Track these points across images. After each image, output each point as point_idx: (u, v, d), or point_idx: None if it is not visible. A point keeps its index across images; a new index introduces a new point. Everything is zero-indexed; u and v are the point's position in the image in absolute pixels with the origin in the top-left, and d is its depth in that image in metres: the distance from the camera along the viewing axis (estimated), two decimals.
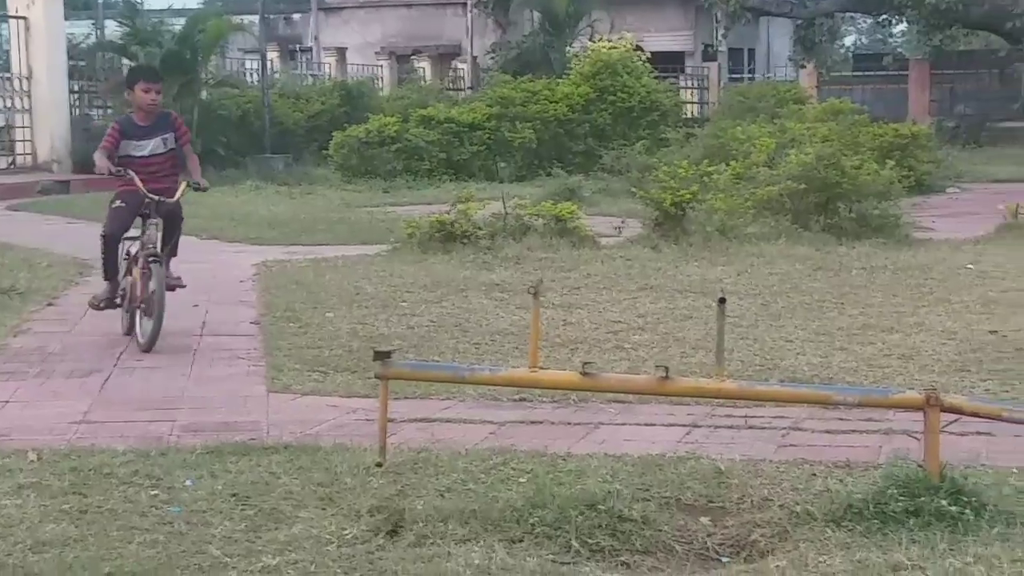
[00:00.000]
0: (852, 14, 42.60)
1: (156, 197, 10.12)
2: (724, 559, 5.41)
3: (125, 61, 29.91)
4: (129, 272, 10.29)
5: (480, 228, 15.21)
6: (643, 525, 5.56)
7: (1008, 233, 15.91)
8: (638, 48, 31.53)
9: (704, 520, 5.79)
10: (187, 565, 5.26)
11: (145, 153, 10.26)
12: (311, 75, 39.54)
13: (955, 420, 6.39)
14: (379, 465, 6.35)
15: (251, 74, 34.61)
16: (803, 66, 38.74)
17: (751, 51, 48.22)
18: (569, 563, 5.23)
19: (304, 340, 10.02)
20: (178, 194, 10.26)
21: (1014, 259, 13.94)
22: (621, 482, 6.05)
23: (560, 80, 29.84)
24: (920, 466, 5.76)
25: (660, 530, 5.59)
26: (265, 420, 7.75)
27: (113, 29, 30.74)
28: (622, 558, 5.32)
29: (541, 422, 7.68)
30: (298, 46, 46.52)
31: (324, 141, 28.32)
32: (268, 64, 33.26)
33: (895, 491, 5.62)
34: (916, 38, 36.35)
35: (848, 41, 52.14)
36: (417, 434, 7.28)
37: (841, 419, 7.50)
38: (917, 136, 23.32)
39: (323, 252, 15.38)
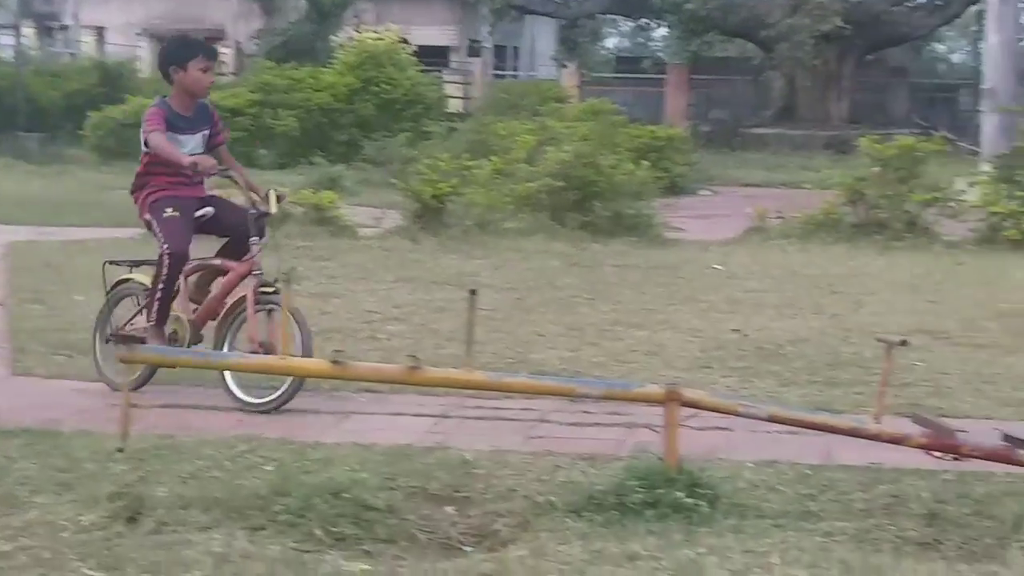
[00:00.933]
0: (614, 16, 43.33)
1: (258, 210, 8.00)
2: (466, 548, 5.45)
3: None
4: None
5: None
6: (387, 514, 5.56)
7: (755, 236, 16.39)
8: (404, 41, 31.54)
9: (449, 510, 5.82)
10: None
11: (186, 151, 7.96)
12: (69, 53, 38.56)
13: (695, 415, 6.60)
14: (120, 451, 6.23)
15: (5, 50, 33.56)
16: (565, 66, 39.27)
17: (516, 49, 48.67)
18: (311, 551, 5.21)
19: (50, 323, 9.78)
20: (274, 206, 8.07)
21: (759, 261, 14.38)
22: (368, 471, 6.03)
23: (325, 69, 29.67)
24: (660, 459, 5.90)
25: (404, 519, 5.60)
26: (5, 403, 7.54)
27: None
28: (365, 547, 5.31)
29: (290, 410, 7.65)
30: (56, 23, 45.24)
31: (81, 121, 27.65)
32: (24, 40, 32.30)
33: (635, 483, 5.74)
34: (675, 43, 37.11)
35: (611, 43, 53.01)
36: (163, 420, 7.19)
37: (587, 412, 7.64)
38: (673, 139, 23.91)
39: (76, 234, 15.04)
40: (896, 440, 6.02)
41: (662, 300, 11.72)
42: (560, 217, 16.08)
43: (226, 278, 7.98)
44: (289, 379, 7.56)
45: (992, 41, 23.68)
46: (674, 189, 22.46)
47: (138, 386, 7.83)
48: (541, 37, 47.71)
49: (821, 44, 33.45)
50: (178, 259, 7.80)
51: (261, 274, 7.82)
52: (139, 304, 8.14)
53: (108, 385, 8.05)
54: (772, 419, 6.21)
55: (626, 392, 6.45)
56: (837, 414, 6.91)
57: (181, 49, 8.17)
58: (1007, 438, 5.92)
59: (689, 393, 6.02)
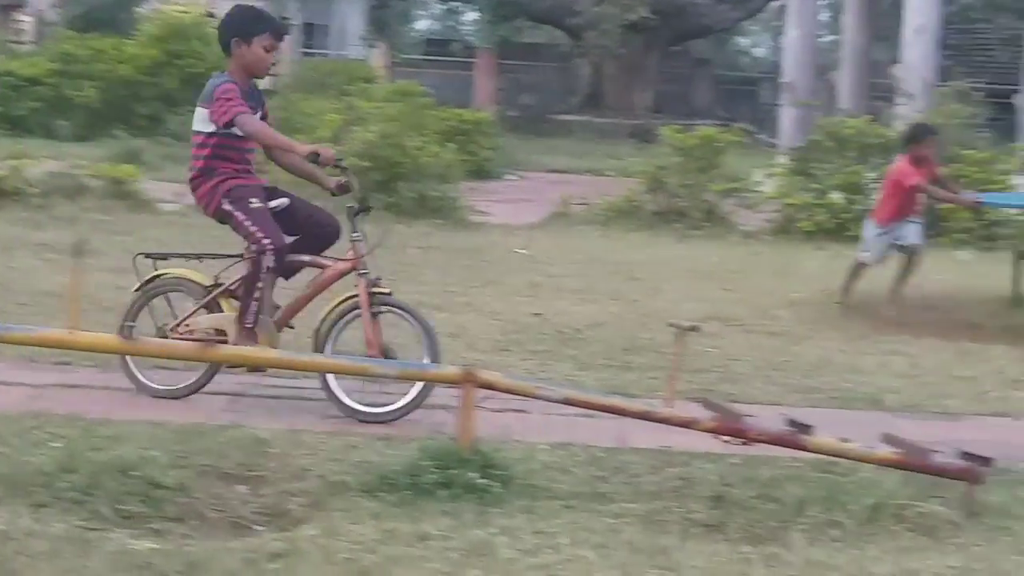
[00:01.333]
0: None
1: (357, 204, 7.47)
2: (257, 528, 5.41)
3: None
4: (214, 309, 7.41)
5: (33, 186, 14.72)
6: (177, 492, 5.51)
7: (558, 221, 16.55)
8: (210, 15, 31.04)
9: (241, 489, 5.78)
10: None
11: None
12: None
13: (492, 396, 6.64)
14: None
15: None
16: (374, 46, 39.11)
17: (325, 27, 48.27)
18: (97, 529, 5.12)
19: None
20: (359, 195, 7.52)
21: (561, 245, 14.52)
22: (159, 449, 5.94)
23: (128, 40, 29.07)
24: (454, 440, 5.94)
25: (195, 498, 5.55)
26: None
27: None
28: (153, 525, 5.25)
29: (81, 386, 7.51)
30: None
31: None
32: None
33: (429, 463, 5.78)
34: (484, 27, 37.25)
35: (421, 25, 52.93)
36: None
37: (387, 393, 7.62)
38: (480, 123, 23.95)
39: None
40: (686, 424, 6.15)
41: (465, 283, 11.76)
42: (364, 198, 16.00)
43: (324, 277, 7.37)
44: (419, 385, 7.01)
45: (792, 36, 24.28)
46: (480, 173, 22.49)
47: (197, 389, 7.42)
48: (351, 16, 47.36)
49: (628, 33, 33.87)
50: (282, 253, 7.10)
51: (368, 273, 7.23)
52: (169, 303, 7.55)
53: (139, 388, 7.45)
54: (567, 402, 6.30)
55: (422, 372, 6.47)
56: (630, 398, 7.03)
57: (249, 22, 7.40)
58: (792, 423, 6.09)
59: (485, 374, 6.07)
